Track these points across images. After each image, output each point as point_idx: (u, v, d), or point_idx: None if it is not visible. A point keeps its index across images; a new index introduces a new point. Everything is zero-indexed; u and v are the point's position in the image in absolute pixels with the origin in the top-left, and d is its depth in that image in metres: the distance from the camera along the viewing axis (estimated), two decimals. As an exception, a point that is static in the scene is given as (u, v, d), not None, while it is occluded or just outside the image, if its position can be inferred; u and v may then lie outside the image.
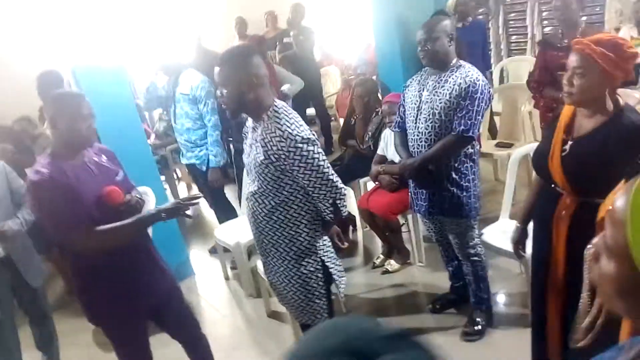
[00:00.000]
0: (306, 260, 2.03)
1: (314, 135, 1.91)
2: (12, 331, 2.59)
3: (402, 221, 3.44)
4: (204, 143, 3.65)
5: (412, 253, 3.46)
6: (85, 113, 1.88)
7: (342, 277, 2.19)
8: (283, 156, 1.84)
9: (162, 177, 4.73)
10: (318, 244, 2.04)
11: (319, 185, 1.89)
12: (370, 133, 3.78)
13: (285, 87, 4.60)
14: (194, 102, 3.57)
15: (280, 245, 2.02)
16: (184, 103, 3.60)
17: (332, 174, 1.92)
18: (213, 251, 4.01)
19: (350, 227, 4.04)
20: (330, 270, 2.10)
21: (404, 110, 2.60)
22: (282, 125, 1.84)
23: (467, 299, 2.80)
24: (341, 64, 7.09)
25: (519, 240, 2.13)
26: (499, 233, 2.79)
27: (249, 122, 2.04)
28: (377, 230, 3.49)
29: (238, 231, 3.36)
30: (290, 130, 1.82)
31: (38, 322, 2.75)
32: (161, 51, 3.86)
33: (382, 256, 3.55)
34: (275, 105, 1.90)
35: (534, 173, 2.09)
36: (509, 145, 4.06)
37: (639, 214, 0.66)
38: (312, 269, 2.05)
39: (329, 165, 1.92)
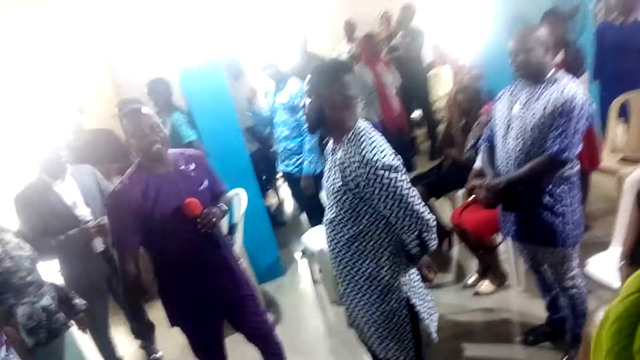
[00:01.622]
0: (389, 296, 1.86)
1: (399, 160, 1.74)
2: (105, 322, 2.91)
3: (499, 239, 3.19)
4: (301, 151, 3.72)
5: (510, 275, 3.20)
6: (143, 129, 1.94)
7: (432, 315, 2.00)
8: (362, 183, 1.69)
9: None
10: (403, 279, 1.87)
11: (403, 216, 1.72)
12: (471, 143, 3.55)
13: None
14: (293, 111, 3.65)
15: (360, 279, 1.88)
16: (282, 111, 3.70)
17: (418, 204, 1.73)
18: (304, 254, 4.09)
19: (447, 240, 3.86)
20: (417, 309, 1.91)
21: (494, 124, 2.39)
22: (362, 149, 1.69)
23: (564, 334, 2.51)
24: (456, 65, 6.78)
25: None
26: (606, 264, 2.45)
27: (330, 144, 1.93)
28: (470, 248, 3.28)
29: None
30: (371, 155, 1.67)
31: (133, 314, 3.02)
32: (267, 54, 4.01)
33: (476, 275, 3.33)
34: (358, 127, 1.77)
35: None
36: (637, 161, 3.55)
37: None
38: (395, 305, 1.87)
39: (415, 193, 1.73)
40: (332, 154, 1.87)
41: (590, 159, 3.40)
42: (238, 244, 3.39)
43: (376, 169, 1.66)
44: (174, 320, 2.25)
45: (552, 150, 2.07)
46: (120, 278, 2.11)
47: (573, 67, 3.22)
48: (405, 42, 5.34)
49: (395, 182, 1.68)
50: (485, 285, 3.21)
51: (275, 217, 4.87)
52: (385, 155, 1.69)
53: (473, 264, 3.43)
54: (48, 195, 2.63)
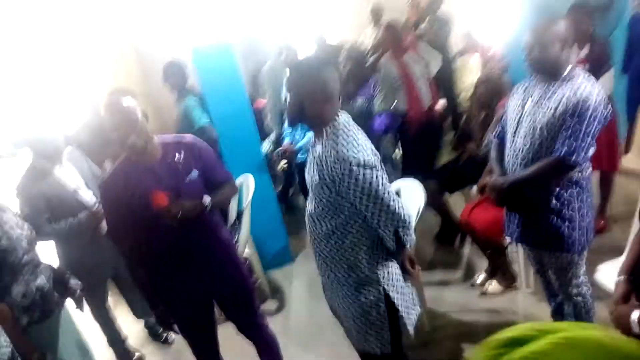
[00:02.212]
0: (367, 289, 1.85)
1: (376, 156, 1.74)
2: (105, 303, 2.97)
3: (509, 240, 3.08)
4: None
5: (519, 276, 3.09)
6: (119, 122, 1.92)
7: (410, 309, 1.96)
8: (337, 179, 1.69)
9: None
10: (380, 273, 1.85)
11: (378, 213, 1.72)
12: (489, 137, 3.42)
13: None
14: None
15: (339, 271, 1.88)
16: None
17: (394, 200, 1.74)
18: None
19: (459, 236, 3.77)
20: (395, 302, 1.88)
21: (506, 120, 2.29)
22: (338, 145, 1.69)
23: (569, 343, 2.41)
24: (486, 54, 6.55)
25: (621, 297, 1.68)
26: (617, 273, 2.32)
27: (312, 138, 1.91)
28: (479, 247, 3.18)
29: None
30: (345, 151, 1.67)
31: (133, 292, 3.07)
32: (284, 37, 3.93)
33: (484, 275, 3.23)
34: (337, 122, 1.75)
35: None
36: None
37: None
38: (373, 298, 1.86)
39: (389, 190, 1.73)
40: (313, 148, 1.86)
41: (609, 160, 3.24)
42: (245, 230, 3.38)
43: (350, 165, 1.66)
44: (164, 306, 2.24)
45: (560, 152, 1.96)
46: (127, 266, 2.15)
47: (597, 63, 3.04)
48: (431, 30, 5.17)
49: (370, 179, 1.67)
50: (493, 285, 3.12)
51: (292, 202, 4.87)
52: (360, 152, 1.68)
53: (483, 263, 3.33)
54: (50, 181, 2.64)
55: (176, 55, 3.93)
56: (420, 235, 3.69)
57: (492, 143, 2.41)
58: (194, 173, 2.10)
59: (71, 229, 2.66)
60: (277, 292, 3.64)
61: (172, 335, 3.31)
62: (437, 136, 4.69)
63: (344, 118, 1.79)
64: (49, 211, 2.61)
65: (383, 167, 1.76)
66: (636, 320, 1.38)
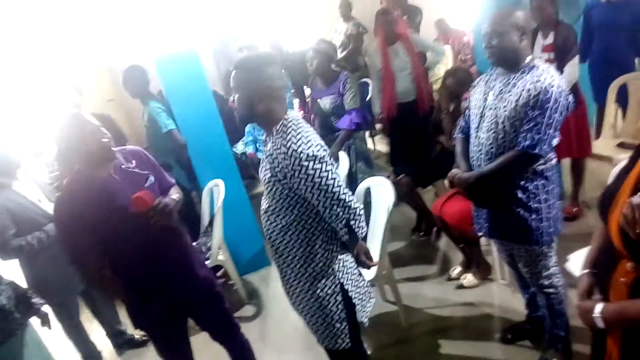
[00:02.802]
0: (322, 282, 1.89)
1: (325, 151, 1.76)
2: (78, 318, 2.92)
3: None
4: None
5: (494, 268, 3.09)
6: (87, 130, 1.89)
7: (366, 302, 2.00)
8: (289, 174, 1.72)
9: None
10: (336, 265, 1.89)
11: (329, 205, 1.75)
12: (458, 130, 3.40)
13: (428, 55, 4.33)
14: None
15: (295, 266, 1.90)
16: None
17: (344, 193, 1.76)
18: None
19: (435, 230, 3.76)
20: (350, 294, 1.93)
21: (469, 114, 2.26)
22: (288, 140, 1.71)
23: (544, 333, 2.41)
24: (459, 42, 6.52)
25: (585, 291, 1.67)
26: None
27: (264, 136, 1.93)
28: (452, 240, 3.17)
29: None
30: (294, 147, 1.69)
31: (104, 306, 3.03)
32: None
33: (459, 268, 3.23)
34: (285, 119, 1.78)
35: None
36: (634, 147, 3.37)
37: None
38: (329, 291, 1.90)
39: (340, 183, 1.76)
40: (264, 145, 1.88)
41: (580, 146, 3.25)
42: (217, 235, 3.33)
43: (300, 160, 1.68)
44: (137, 323, 2.20)
45: (523, 144, 1.94)
46: (94, 289, 2.08)
47: (563, 49, 3.04)
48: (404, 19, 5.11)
49: (320, 172, 1.70)
50: (469, 278, 3.11)
51: None
52: (310, 147, 1.71)
53: (458, 256, 3.32)
54: (10, 194, 2.57)
55: (142, 61, 3.84)
56: (395, 231, 3.72)
57: (457, 140, 2.38)
58: (151, 178, 2.08)
59: (39, 242, 2.58)
60: (253, 297, 3.59)
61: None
62: (421, 129, 4.48)
63: (293, 115, 1.82)
64: (14, 225, 2.53)
65: (333, 161, 1.79)
66: (599, 315, 1.36)
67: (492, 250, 3.05)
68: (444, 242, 3.64)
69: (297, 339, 3.02)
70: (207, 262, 3.21)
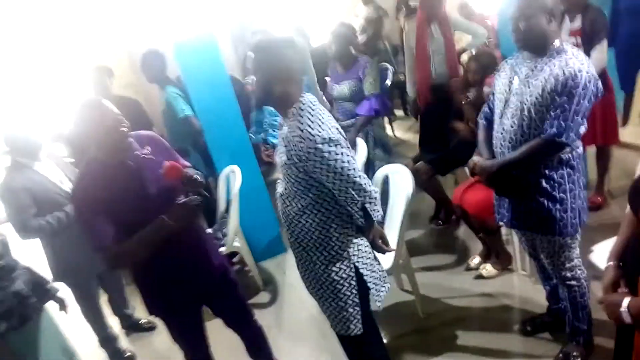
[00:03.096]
0: (337, 265, 1.89)
1: (340, 133, 1.76)
2: (96, 297, 2.94)
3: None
4: None
5: (514, 259, 3.02)
6: (108, 116, 1.85)
7: (380, 286, 1.99)
8: (304, 157, 1.72)
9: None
10: (351, 249, 1.90)
11: (344, 188, 1.76)
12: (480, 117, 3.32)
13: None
14: None
15: (310, 249, 1.90)
16: None
17: (359, 176, 1.77)
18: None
19: (454, 218, 3.70)
20: (365, 278, 1.92)
21: (493, 100, 2.19)
22: (302, 124, 1.72)
23: (564, 325, 2.35)
24: (483, 26, 6.34)
25: (611, 284, 1.63)
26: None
27: (280, 119, 1.92)
28: (472, 229, 3.10)
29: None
30: (309, 130, 1.70)
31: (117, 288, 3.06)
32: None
33: (478, 258, 3.16)
34: (301, 102, 1.77)
35: None
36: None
37: None
38: (344, 275, 1.90)
39: (354, 166, 1.76)
40: (280, 129, 1.89)
41: (606, 133, 3.14)
42: (234, 222, 3.31)
43: (315, 142, 1.69)
44: (152, 309, 2.18)
45: (549, 132, 1.86)
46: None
47: (591, 33, 2.92)
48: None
49: (334, 155, 1.70)
50: (488, 268, 3.05)
51: None
52: (324, 130, 1.71)
53: (478, 246, 3.26)
54: (32, 175, 2.60)
55: (160, 46, 3.80)
56: (413, 219, 3.66)
57: (480, 126, 2.31)
58: (165, 165, 2.01)
59: (59, 222, 2.61)
60: (269, 284, 3.58)
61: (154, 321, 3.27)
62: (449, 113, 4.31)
63: (309, 98, 1.81)
64: (35, 205, 2.56)
65: (349, 144, 1.80)
66: (626, 309, 1.31)
67: (512, 240, 2.98)
68: (463, 231, 3.57)
69: (312, 326, 3.00)
70: (223, 249, 3.22)
